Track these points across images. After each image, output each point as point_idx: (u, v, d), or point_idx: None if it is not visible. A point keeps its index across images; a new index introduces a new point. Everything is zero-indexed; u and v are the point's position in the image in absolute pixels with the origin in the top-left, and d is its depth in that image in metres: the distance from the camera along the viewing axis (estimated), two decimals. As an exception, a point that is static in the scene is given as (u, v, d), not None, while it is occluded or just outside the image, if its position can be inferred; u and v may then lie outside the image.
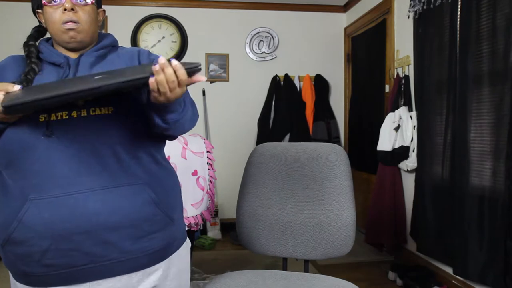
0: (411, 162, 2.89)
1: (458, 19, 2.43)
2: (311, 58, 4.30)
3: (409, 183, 3.04)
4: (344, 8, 4.31)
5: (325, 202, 1.62)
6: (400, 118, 2.96)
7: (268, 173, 1.69)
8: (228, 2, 4.15)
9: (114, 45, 1.16)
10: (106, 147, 0.97)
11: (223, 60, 4.15)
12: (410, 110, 2.97)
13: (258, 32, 4.21)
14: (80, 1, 1.06)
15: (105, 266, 0.97)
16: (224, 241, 3.73)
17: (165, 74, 0.84)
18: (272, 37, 4.23)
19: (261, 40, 4.22)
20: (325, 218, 1.61)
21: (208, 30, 4.14)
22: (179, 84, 0.87)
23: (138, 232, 0.99)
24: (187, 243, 1.19)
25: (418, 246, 2.82)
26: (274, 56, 4.24)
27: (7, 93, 0.87)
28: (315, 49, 4.32)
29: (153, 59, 1.14)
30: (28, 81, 0.99)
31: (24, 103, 0.80)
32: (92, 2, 1.08)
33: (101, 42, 1.13)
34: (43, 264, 0.94)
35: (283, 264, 1.71)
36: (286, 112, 4.05)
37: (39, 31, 1.14)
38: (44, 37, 1.15)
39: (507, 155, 2.06)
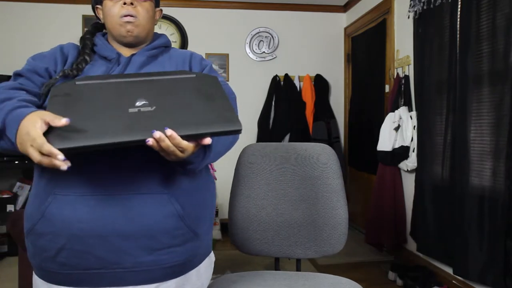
0: (411, 162, 2.89)
1: (458, 19, 2.43)
2: (311, 58, 4.30)
3: (409, 183, 3.04)
4: (344, 8, 4.31)
5: (319, 201, 1.63)
6: (400, 118, 2.96)
7: (259, 173, 1.68)
8: (228, 2, 4.15)
9: (166, 46, 1.16)
10: (139, 153, 0.93)
11: (223, 60, 4.15)
12: (410, 110, 2.97)
13: (258, 32, 4.21)
14: None
15: (117, 274, 0.94)
16: (224, 241, 3.73)
17: (161, 146, 0.80)
18: (272, 37, 4.23)
19: (261, 40, 4.22)
20: (320, 217, 1.63)
21: (208, 30, 4.14)
22: (181, 152, 0.82)
23: (155, 243, 0.95)
24: (210, 258, 1.14)
25: (418, 246, 2.82)
26: (274, 56, 4.25)
27: (49, 126, 0.79)
28: (315, 49, 4.32)
29: (205, 65, 1.14)
30: (79, 70, 1.01)
31: (75, 148, 0.75)
32: None
33: (154, 42, 1.14)
34: (57, 262, 0.94)
35: (275, 264, 1.71)
36: (286, 112, 4.05)
37: (96, 27, 1.17)
38: (100, 32, 1.17)
39: (507, 155, 2.06)
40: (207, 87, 0.91)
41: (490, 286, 2.19)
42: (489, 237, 2.17)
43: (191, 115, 0.83)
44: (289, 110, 4.06)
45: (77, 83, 0.90)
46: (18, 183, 3.57)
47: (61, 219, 0.91)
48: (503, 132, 2.09)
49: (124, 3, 1.06)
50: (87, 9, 3.98)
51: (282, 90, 4.15)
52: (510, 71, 2.05)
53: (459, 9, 2.42)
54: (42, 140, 0.75)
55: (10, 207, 3.34)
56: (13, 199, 3.40)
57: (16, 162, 3.45)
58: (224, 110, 0.84)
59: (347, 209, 1.63)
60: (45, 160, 0.76)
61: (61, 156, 0.74)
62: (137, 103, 0.84)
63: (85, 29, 3.97)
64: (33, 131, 0.77)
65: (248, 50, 4.21)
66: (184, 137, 0.80)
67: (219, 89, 0.91)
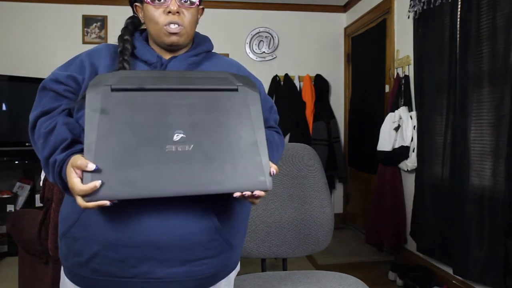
0: (411, 162, 2.89)
1: (458, 19, 2.43)
2: (311, 58, 4.30)
3: (409, 183, 3.04)
4: (344, 8, 4.31)
5: (307, 200, 1.66)
6: (400, 118, 2.96)
7: None
8: (228, 2, 4.15)
9: (209, 51, 1.12)
10: None
11: (223, 60, 4.15)
12: (410, 110, 2.97)
13: (258, 32, 4.21)
14: (186, 3, 1.01)
15: (149, 283, 0.92)
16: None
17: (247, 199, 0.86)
18: (272, 37, 4.23)
19: (261, 40, 4.22)
20: (309, 215, 1.66)
21: (208, 30, 4.12)
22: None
23: (189, 255, 0.92)
24: (237, 267, 1.12)
25: (418, 246, 2.82)
26: (274, 56, 4.24)
27: (83, 171, 0.79)
28: (315, 49, 4.32)
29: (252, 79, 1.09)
30: None
31: (123, 200, 0.80)
32: (197, 4, 1.04)
33: (197, 48, 1.08)
34: (90, 267, 0.93)
35: (262, 265, 1.71)
36: (286, 112, 4.05)
37: (134, 22, 1.10)
38: (138, 30, 1.11)
39: (507, 155, 2.06)
40: (247, 113, 0.90)
41: (490, 286, 2.19)
42: (489, 237, 2.17)
43: (226, 171, 0.84)
44: (289, 110, 4.06)
45: (112, 88, 0.86)
46: (18, 183, 3.57)
47: (96, 225, 0.90)
48: (503, 132, 2.09)
49: (169, 11, 0.99)
50: (87, 9, 3.98)
51: (282, 90, 4.14)
52: (510, 71, 2.05)
53: (459, 9, 2.42)
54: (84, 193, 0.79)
55: (10, 207, 3.33)
56: (13, 199, 3.39)
57: (16, 162, 3.45)
58: (256, 165, 0.86)
59: (332, 206, 1.70)
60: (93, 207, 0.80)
61: (109, 203, 0.79)
62: (175, 137, 0.83)
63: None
64: (74, 186, 0.80)
65: (248, 50, 4.21)
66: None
67: (259, 115, 0.90)
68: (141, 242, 0.89)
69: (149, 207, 0.89)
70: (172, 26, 1.00)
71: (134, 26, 1.10)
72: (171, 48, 1.05)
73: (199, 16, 1.09)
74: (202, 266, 0.95)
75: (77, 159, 0.80)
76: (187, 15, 1.02)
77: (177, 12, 1.00)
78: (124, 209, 0.89)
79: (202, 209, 0.93)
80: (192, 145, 0.83)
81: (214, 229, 0.94)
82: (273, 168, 0.87)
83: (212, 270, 0.97)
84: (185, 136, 0.83)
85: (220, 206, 0.96)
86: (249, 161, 0.85)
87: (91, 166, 0.78)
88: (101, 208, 0.89)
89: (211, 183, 0.82)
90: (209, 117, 0.87)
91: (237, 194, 0.83)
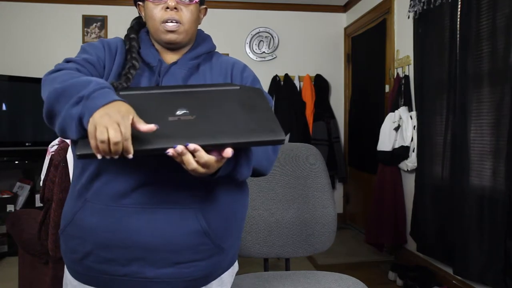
0: (411, 162, 2.89)
1: (458, 19, 2.43)
2: (311, 58, 4.30)
3: (409, 183, 3.04)
4: (344, 8, 4.31)
5: (309, 200, 1.66)
6: (400, 118, 2.96)
7: None
8: (228, 2, 4.15)
9: (210, 51, 1.11)
10: (171, 165, 0.86)
11: (223, 60, 4.15)
12: (410, 110, 2.97)
13: (258, 32, 4.21)
14: (184, 0, 1.02)
15: (140, 283, 0.94)
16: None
17: (183, 160, 0.77)
18: (272, 37, 4.23)
19: (261, 40, 4.22)
20: (311, 216, 1.65)
21: (208, 30, 4.11)
22: (203, 166, 0.78)
23: (177, 257, 0.93)
24: (233, 268, 1.10)
25: (418, 246, 2.82)
26: (274, 56, 4.25)
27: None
28: (315, 49, 4.32)
29: (247, 77, 1.09)
30: (128, 81, 0.95)
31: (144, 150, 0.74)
32: (196, 1, 1.03)
33: (197, 49, 1.08)
34: (84, 265, 0.96)
35: (265, 265, 1.71)
36: (286, 112, 4.05)
37: (139, 22, 1.11)
38: (144, 28, 1.11)
39: (507, 155, 2.06)
40: (251, 99, 0.89)
41: (490, 286, 2.19)
42: (489, 237, 2.17)
43: (232, 125, 0.81)
44: (289, 110, 4.06)
45: (121, 93, 0.88)
46: (18, 183, 3.57)
47: (89, 226, 0.92)
48: (503, 132, 2.09)
49: (167, 8, 0.99)
50: (87, 9, 3.98)
51: (282, 90, 4.14)
52: (510, 71, 2.05)
53: (459, 9, 2.42)
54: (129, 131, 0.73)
55: (10, 207, 3.34)
56: (13, 199, 3.40)
57: (16, 162, 3.45)
58: (266, 120, 0.82)
59: (335, 206, 1.69)
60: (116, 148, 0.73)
61: (131, 155, 0.74)
62: (178, 112, 0.82)
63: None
64: (128, 120, 0.74)
65: (248, 50, 4.21)
66: (218, 146, 0.77)
67: (264, 101, 0.89)
68: (131, 244, 0.91)
69: (139, 210, 0.91)
70: (169, 23, 1.01)
71: (139, 26, 1.11)
72: (170, 46, 1.05)
73: (201, 15, 1.09)
74: (191, 268, 0.95)
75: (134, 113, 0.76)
76: (185, 12, 1.02)
77: (175, 8, 1.00)
78: (114, 212, 0.91)
79: (191, 212, 0.93)
80: (195, 116, 0.82)
81: (203, 233, 0.94)
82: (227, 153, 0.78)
83: (201, 272, 0.97)
84: (188, 112, 0.83)
85: (210, 210, 0.95)
86: (258, 118, 0.82)
87: (150, 126, 0.74)
88: (94, 210, 0.92)
89: (217, 135, 0.77)
90: (213, 102, 0.87)
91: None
